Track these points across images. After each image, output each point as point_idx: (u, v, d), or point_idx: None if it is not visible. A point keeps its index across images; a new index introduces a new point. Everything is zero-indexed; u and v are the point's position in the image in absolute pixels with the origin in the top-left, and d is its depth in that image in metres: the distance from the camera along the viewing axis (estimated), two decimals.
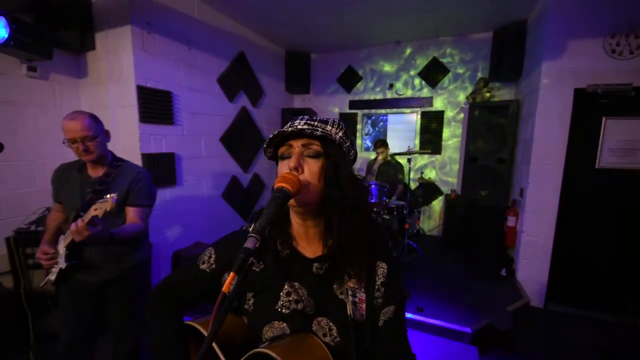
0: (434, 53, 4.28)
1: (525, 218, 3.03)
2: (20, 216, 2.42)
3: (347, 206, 0.66)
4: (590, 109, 2.71)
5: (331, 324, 0.67)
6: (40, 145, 2.55)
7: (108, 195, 1.30)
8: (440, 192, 4.49)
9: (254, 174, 4.27)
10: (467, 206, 3.80)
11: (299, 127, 0.65)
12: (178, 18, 2.97)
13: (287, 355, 0.55)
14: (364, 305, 0.67)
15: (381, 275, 0.70)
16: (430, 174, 4.51)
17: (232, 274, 0.45)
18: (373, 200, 3.22)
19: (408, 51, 4.43)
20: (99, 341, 1.74)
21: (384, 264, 0.71)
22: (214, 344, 0.64)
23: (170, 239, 3.06)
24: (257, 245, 0.49)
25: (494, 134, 3.65)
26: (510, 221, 3.24)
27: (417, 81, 4.46)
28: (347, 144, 0.70)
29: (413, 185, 4.35)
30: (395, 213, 3.45)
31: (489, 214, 3.54)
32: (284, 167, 0.65)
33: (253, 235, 0.50)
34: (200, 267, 0.76)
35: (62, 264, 1.47)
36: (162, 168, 2.89)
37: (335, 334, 0.66)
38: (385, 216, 3.41)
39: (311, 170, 0.65)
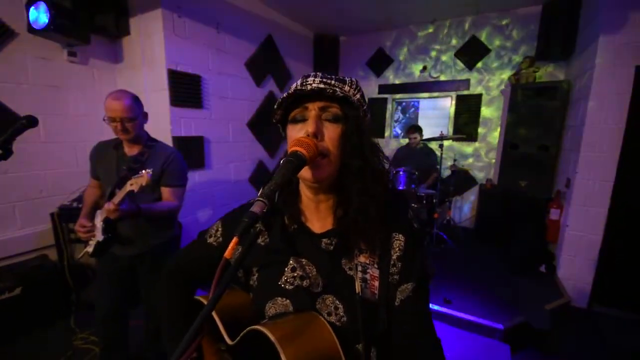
0: (472, 31, 3.97)
1: (571, 211, 2.76)
2: (63, 194, 2.59)
3: (369, 176, 0.60)
4: None
5: (337, 302, 0.61)
6: (80, 127, 2.69)
7: (144, 171, 1.36)
8: (474, 182, 4.23)
9: (280, 159, 4.27)
10: (504, 197, 3.55)
11: (317, 86, 0.57)
12: (207, 1, 2.97)
13: (284, 337, 0.50)
14: (376, 283, 0.60)
15: (397, 249, 0.62)
16: (465, 162, 4.26)
17: (235, 238, 0.41)
18: (401, 187, 3.09)
19: (444, 30, 4.14)
20: (134, 313, 1.84)
21: (400, 235, 0.63)
22: (217, 319, 0.61)
23: (200, 220, 3.16)
24: (264, 210, 0.44)
25: (539, 118, 3.33)
26: (554, 214, 2.98)
27: (453, 62, 4.17)
28: (365, 107, 0.62)
29: (445, 174, 4.12)
30: (424, 202, 3.30)
31: (528, 205, 3.28)
32: (296, 132, 0.59)
33: (260, 199, 0.45)
34: (208, 241, 0.73)
35: (99, 236, 1.55)
36: (191, 151, 2.96)
37: (341, 313, 0.60)
38: (414, 205, 3.27)
39: (331, 136, 0.58)
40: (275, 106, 0.63)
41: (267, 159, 4.06)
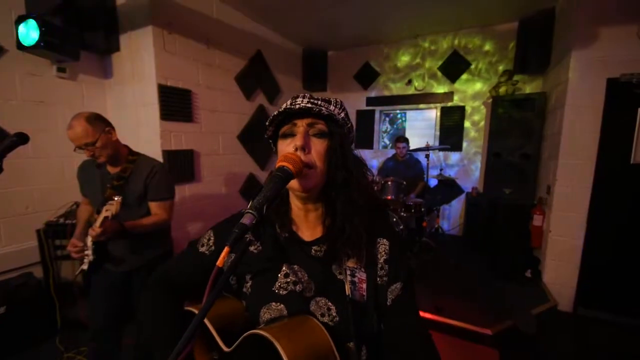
0: (454, 46, 4.15)
1: (552, 217, 2.86)
2: (50, 210, 2.55)
3: (353, 188, 0.65)
4: (624, 99, 2.53)
5: (330, 303, 0.65)
6: (68, 142, 2.67)
7: (115, 198, 1.38)
8: (460, 190, 4.34)
9: (270, 172, 4.30)
10: (489, 204, 3.64)
11: (305, 105, 0.62)
12: (197, 18, 3.03)
13: (282, 337, 0.53)
14: (364, 285, 0.65)
15: (383, 253, 0.68)
16: (451, 171, 4.37)
17: (226, 248, 0.44)
18: (390, 197, 3.15)
19: (427, 45, 4.31)
20: (127, 329, 1.81)
21: (385, 240, 0.69)
22: (210, 327, 0.63)
23: (191, 232, 3.14)
24: (253, 222, 0.47)
25: (518, 128, 3.48)
26: (537, 220, 3.08)
27: (436, 76, 4.33)
28: (349, 124, 0.68)
29: (432, 183, 4.22)
30: (413, 211, 3.37)
31: (513, 212, 3.37)
32: (286, 146, 0.64)
33: (249, 211, 0.48)
34: (200, 250, 0.75)
35: (91, 256, 1.54)
36: (181, 164, 2.97)
37: (334, 314, 0.64)
38: (402, 213, 3.33)
39: (317, 150, 0.63)
40: (267, 123, 0.68)
41: (258, 171, 4.08)
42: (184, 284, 0.75)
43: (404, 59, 4.50)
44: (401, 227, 2.99)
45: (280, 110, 0.63)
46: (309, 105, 0.62)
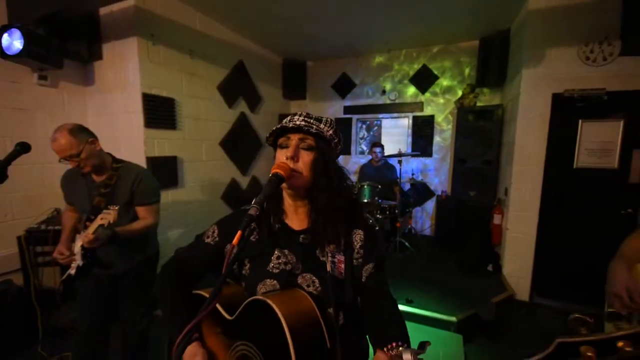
0: (424, 60, 4.49)
1: (509, 216, 3.20)
2: (30, 217, 2.55)
3: (333, 192, 0.82)
4: (567, 112, 2.90)
5: (314, 277, 0.83)
6: (49, 149, 2.67)
7: (112, 207, 1.45)
8: (432, 193, 4.65)
9: (252, 177, 4.42)
10: (457, 206, 3.96)
11: (298, 123, 0.79)
12: (181, 30, 3.14)
13: (277, 302, 0.70)
14: (342, 265, 0.83)
15: (359, 240, 0.86)
16: (423, 176, 4.69)
17: (239, 232, 0.61)
18: (366, 200, 3.37)
19: (399, 58, 4.63)
20: (113, 331, 1.85)
21: (360, 230, 0.87)
22: (217, 304, 0.79)
23: (171, 238, 3.19)
24: (257, 213, 0.64)
25: (481, 137, 3.84)
26: (497, 219, 3.41)
27: (408, 87, 4.66)
28: (336, 140, 0.85)
29: (406, 187, 4.51)
30: (387, 213, 3.61)
31: (477, 213, 3.71)
32: (281, 155, 0.80)
33: (254, 205, 0.65)
34: (206, 241, 0.91)
35: (79, 261, 1.58)
36: (164, 170, 3.03)
37: (317, 285, 0.82)
38: (378, 215, 3.56)
39: (304, 160, 0.80)
40: (268, 134, 0.85)
41: (240, 176, 4.19)
42: (193, 271, 0.91)
43: (379, 70, 4.80)
44: (376, 228, 3.21)
45: (279, 126, 0.80)
46: (302, 123, 0.79)
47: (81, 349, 1.73)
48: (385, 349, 0.64)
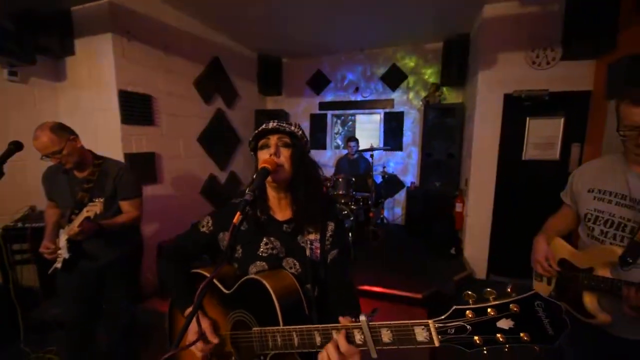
0: (393, 60, 4.75)
1: (469, 204, 3.55)
2: (4, 215, 2.52)
3: (311, 184, 1.00)
4: (516, 110, 3.26)
5: (295, 261, 1.00)
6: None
7: (97, 200, 1.54)
8: (402, 185, 4.97)
9: (230, 172, 4.50)
10: (424, 196, 4.30)
11: (275, 125, 0.96)
12: (156, 26, 3.15)
13: (267, 279, 0.88)
14: (318, 251, 1.02)
15: (330, 231, 1.05)
16: (394, 168, 4.99)
17: (238, 213, 0.77)
18: (341, 192, 3.59)
19: (371, 57, 4.87)
20: (97, 327, 1.89)
21: (332, 223, 1.06)
22: (215, 281, 0.96)
23: (150, 234, 3.23)
24: (252, 198, 0.81)
25: (446, 132, 4.17)
26: (458, 207, 3.76)
27: (379, 84, 4.92)
28: (305, 139, 1.03)
29: (378, 179, 4.78)
30: (361, 204, 3.86)
31: (442, 202, 4.05)
32: (264, 154, 0.96)
33: (249, 192, 0.82)
34: (201, 230, 1.06)
35: (65, 254, 1.63)
36: (143, 166, 3.07)
37: (298, 268, 1.00)
38: (352, 206, 3.80)
39: (284, 155, 0.96)
40: (250, 139, 1.00)
41: (218, 172, 4.26)
42: (190, 254, 1.08)
43: (352, 68, 5.01)
44: (351, 218, 3.45)
45: (260, 129, 0.97)
46: (278, 126, 0.96)
47: (66, 343, 1.79)
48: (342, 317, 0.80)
